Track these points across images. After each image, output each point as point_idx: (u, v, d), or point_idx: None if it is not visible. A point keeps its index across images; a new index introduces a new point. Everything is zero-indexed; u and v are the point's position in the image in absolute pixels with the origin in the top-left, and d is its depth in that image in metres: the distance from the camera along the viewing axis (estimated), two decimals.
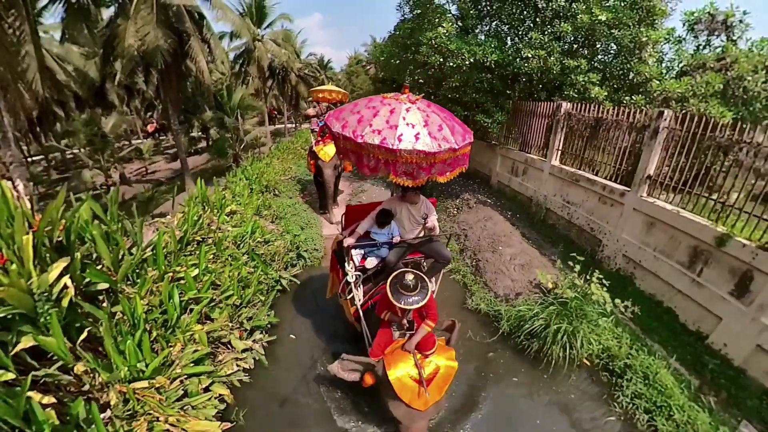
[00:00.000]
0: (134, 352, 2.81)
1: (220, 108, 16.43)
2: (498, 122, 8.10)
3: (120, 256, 3.39)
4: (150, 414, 2.63)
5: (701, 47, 8.44)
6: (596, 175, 6.22)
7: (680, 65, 7.97)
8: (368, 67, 32.53)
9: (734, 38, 7.99)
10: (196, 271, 3.90)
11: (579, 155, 6.62)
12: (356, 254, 3.61)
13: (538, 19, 8.00)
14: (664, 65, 8.29)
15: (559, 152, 7.07)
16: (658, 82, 6.94)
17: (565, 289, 4.35)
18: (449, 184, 10.07)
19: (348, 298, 3.47)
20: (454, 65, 7.40)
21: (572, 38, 7.49)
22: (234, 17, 13.63)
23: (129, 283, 3.41)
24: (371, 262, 3.63)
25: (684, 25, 8.47)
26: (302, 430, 3.37)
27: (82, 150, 15.52)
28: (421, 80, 8.81)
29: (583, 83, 7.20)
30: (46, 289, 2.60)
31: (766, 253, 3.75)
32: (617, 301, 4.44)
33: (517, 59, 7.40)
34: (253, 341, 4.02)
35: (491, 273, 5.41)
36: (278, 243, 5.81)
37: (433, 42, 7.45)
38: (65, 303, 2.62)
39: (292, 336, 4.53)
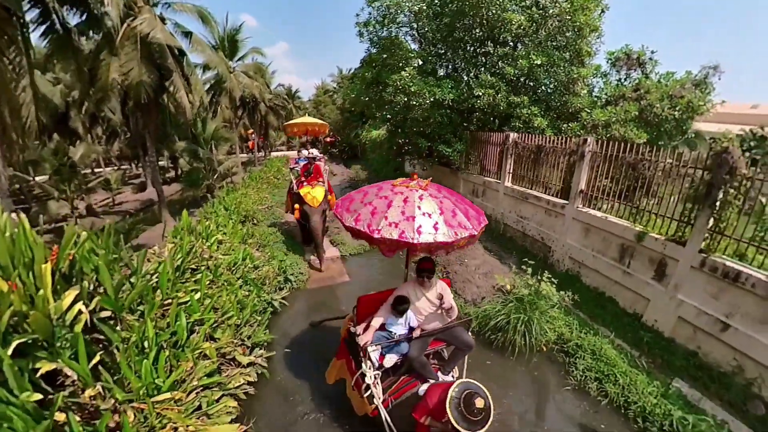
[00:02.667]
0: (150, 371, 3.03)
1: (194, 139, 16.92)
2: (458, 151, 9.33)
3: (121, 285, 3.63)
4: (171, 424, 2.97)
5: (623, 80, 10.20)
6: (542, 192, 7.43)
7: (607, 95, 9.61)
8: (335, 97, 34.09)
9: (647, 72, 9.77)
10: (198, 295, 4.31)
11: (527, 176, 7.86)
12: (373, 352, 3.33)
13: (486, 62, 9.44)
14: (594, 96, 9.92)
15: (510, 175, 8.31)
16: (587, 112, 8.41)
17: (521, 288, 5.33)
18: None
19: (365, 396, 3.23)
20: (417, 104, 8.58)
21: (515, 78, 8.91)
22: (212, 54, 14.50)
23: (128, 311, 3.64)
24: (390, 360, 3.40)
25: (607, 62, 10.26)
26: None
27: (40, 180, 15.21)
28: (389, 116, 9.96)
29: (527, 115, 8.57)
30: (61, 315, 2.77)
31: (672, 243, 4.96)
32: (561, 293, 5.46)
33: (471, 97, 8.70)
34: (255, 356, 4.48)
35: (460, 282, 6.34)
36: (266, 268, 6.35)
37: (398, 83, 8.65)
38: (78, 328, 2.73)
39: (287, 350, 5.15)
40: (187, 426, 3.05)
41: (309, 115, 11.59)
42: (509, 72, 8.44)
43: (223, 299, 4.65)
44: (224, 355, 4.16)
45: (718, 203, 4.50)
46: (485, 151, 9.24)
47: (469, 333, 3.65)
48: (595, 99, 9.65)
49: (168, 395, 3.07)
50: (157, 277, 4.14)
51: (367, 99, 10.81)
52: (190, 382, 3.42)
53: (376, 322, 3.42)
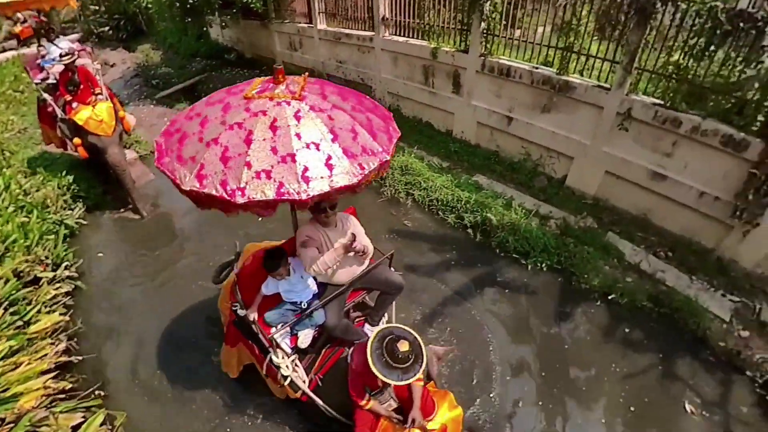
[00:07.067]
0: None
1: None
2: None
3: None
4: None
5: None
6: (354, 28, 8.60)
7: None
8: None
9: None
10: None
11: (338, 13, 8.87)
12: (280, 336, 3.12)
13: None
14: None
15: (324, 15, 9.21)
16: None
17: None
18: (234, 78, 11.37)
19: (286, 384, 3.06)
20: None
21: None
22: None
23: None
24: (306, 338, 3.24)
25: None
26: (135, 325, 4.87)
27: None
28: None
29: None
30: None
31: (459, 53, 6.73)
32: None
33: None
34: (61, 271, 5.21)
35: None
36: (42, 191, 6.53)
37: None
38: None
39: (100, 254, 5.96)
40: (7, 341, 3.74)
41: None
42: None
43: None
44: (20, 276, 4.79)
45: (486, 6, 6.10)
46: None
47: (392, 268, 3.55)
48: None
49: None
50: None
51: None
52: None
53: (267, 291, 3.19)
